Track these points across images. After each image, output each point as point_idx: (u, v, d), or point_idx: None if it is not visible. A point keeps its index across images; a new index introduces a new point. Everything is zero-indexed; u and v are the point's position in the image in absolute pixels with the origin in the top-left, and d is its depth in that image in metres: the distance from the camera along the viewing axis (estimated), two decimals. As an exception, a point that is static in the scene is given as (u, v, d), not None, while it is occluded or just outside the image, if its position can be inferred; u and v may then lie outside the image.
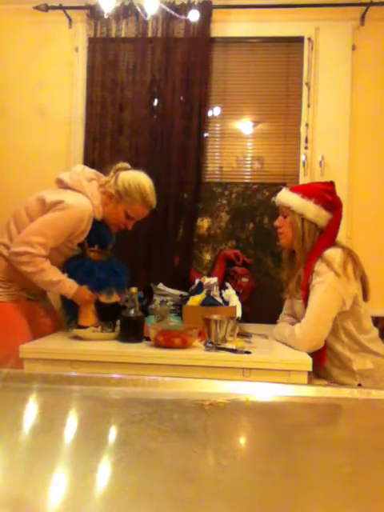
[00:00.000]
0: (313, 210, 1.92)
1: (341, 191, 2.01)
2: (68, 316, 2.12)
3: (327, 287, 1.83)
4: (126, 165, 2.15)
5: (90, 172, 2.14)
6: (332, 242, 1.94)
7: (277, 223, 2.04)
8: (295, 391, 1.07)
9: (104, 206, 2.07)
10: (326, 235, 1.94)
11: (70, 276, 2.04)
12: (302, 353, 1.80)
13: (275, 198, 2.07)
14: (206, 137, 2.82)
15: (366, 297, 1.94)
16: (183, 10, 2.69)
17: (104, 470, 0.69)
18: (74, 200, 1.98)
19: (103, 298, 2.05)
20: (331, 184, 1.99)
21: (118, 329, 1.96)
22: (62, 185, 2.07)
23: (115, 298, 2.07)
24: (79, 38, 2.84)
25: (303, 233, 1.94)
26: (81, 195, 2.01)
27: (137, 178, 2.08)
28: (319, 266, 1.86)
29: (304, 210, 1.92)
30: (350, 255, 1.89)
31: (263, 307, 2.59)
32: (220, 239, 2.92)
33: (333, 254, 1.87)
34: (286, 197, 1.99)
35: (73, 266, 2.07)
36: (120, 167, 2.13)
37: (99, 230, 2.09)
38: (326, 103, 2.74)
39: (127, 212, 2.08)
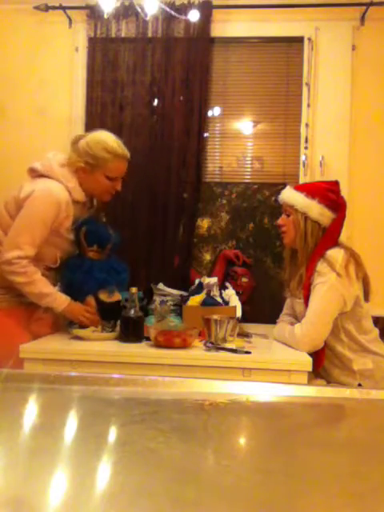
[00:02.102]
0: (316, 210, 1.91)
1: (341, 191, 2.00)
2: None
3: (329, 288, 1.83)
4: (78, 134, 2.07)
5: (62, 157, 2.06)
6: (334, 242, 1.93)
7: (280, 221, 2.03)
8: (295, 391, 1.07)
9: (83, 183, 2.00)
10: (329, 235, 1.93)
11: (70, 276, 2.04)
12: (302, 353, 1.80)
13: (279, 196, 2.06)
14: (206, 137, 2.82)
15: (367, 297, 1.94)
16: (183, 9, 2.68)
17: (104, 470, 0.69)
18: (44, 186, 1.93)
19: (104, 297, 2.05)
20: (336, 183, 1.98)
21: (118, 329, 1.96)
22: (35, 173, 2.00)
23: (116, 296, 2.07)
24: (79, 38, 2.83)
25: (306, 232, 1.93)
26: (51, 181, 1.95)
27: (95, 138, 2.01)
28: (321, 267, 1.86)
29: (307, 210, 1.92)
30: (353, 256, 1.89)
31: (263, 307, 2.59)
32: (220, 239, 2.92)
33: (335, 254, 1.87)
34: (289, 195, 1.98)
35: (72, 266, 2.07)
36: (75, 140, 2.05)
37: (97, 229, 2.09)
38: (325, 103, 2.73)
39: (107, 175, 2.00)
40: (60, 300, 1.96)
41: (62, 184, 1.95)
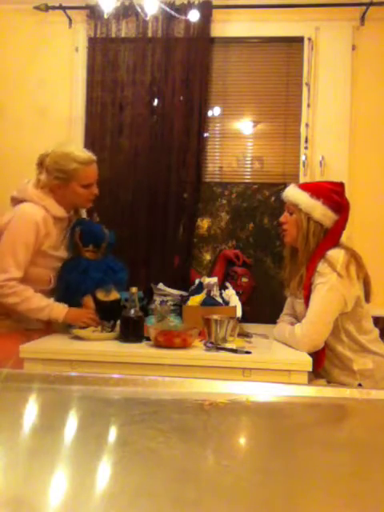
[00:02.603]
0: (320, 211, 1.90)
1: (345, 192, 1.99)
2: None
3: (329, 288, 1.83)
4: (41, 154, 2.06)
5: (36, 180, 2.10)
6: (335, 243, 1.92)
7: (282, 219, 2.02)
8: (295, 391, 1.07)
9: (61, 199, 2.03)
10: (331, 236, 1.92)
11: (67, 277, 2.04)
12: (302, 353, 1.80)
13: (282, 193, 2.04)
14: (206, 137, 2.82)
15: (367, 298, 1.93)
16: (183, 10, 2.68)
17: (104, 470, 0.69)
18: (20, 210, 1.98)
19: (101, 296, 2.05)
20: (341, 185, 1.97)
21: (117, 329, 1.96)
22: (15, 201, 2.05)
23: (114, 295, 2.07)
24: (79, 38, 2.83)
25: (308, 232, 1.92)
26: (27, 203, 1.99)
27: (60, 152, 2.02)
28: (322, 267, 1.86)
29: (311, 210, 1.91)
30: (354, 256, 1.88)
31: (263, 307, 2.59)
32: (220, 239, 2.92)
33: (336, 254, 1.87)
34: (294, 194, 1.97)
35: (69, 267, 2.07)
36: (39, 160, 2.06)
37: (92, 229, 2.10)
38: (326, 103, 2.73)
39: (81, 184, 2.02)
40: (58, 309, 1.97)
41: (37, 204, 1.99)
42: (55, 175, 2.01)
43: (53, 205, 2.01)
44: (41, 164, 2.05)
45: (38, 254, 1.99)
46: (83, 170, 2.01)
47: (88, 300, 2.05)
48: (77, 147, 2.04)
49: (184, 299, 2.21)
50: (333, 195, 1.92)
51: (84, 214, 2.23)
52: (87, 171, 2.03)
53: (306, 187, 1.98)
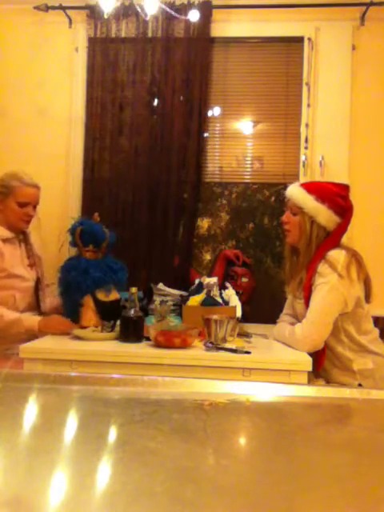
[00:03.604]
0: (324, 215, 1.88)
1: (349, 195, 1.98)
2: (69, 318, 2.12)
3: (330, 288, 1.82)
4: None
5: None
6: (336, 244, 1.91)
7: (284, 219, 1.99)
8: (295, 391, 1.07)
9: (3, 219, 2.18)
10: (332, 237, 1.91)
11: (66, 276, 2.07)
12: (301, 353, 1.79)
13: (285, 191, 2.01)
14: (206, 137, 2.82)
15: (368, 298, 1.93)
16: (183, 10, 2.68)
17: (104, 470, 0.69)
18: None
19: (102, 296, 2.05)
20: (346, 188, 1.94)
21: (117, 329, 1.96)
22: None
23: (114, 295, 2.07)
24: (79, 38, 2.83)
25: (311, 235, 1.91)
26: None
27: (8, 172, 2.21)
28: (322, 267, 1.85)
29: (315, 214, 1.88)
30: (354, 257, 1.87)
31: (263, 307, 2.59)
32: (220, 239, 2.92)
33: (336, 255, 1.86)
34: (298, 196, 1.93)
35: (69, 266, 2.08)
36: None
37: (92, 228, 2.11)
38: (326, 103, 2.73)
39: (18, 201, 2.17)
40: (30, 319, 2.05)
41: None
42: None
43: None
44: None
45: (3, 276, 2.10)
46: (22, 188, 2.18)
47: (88, 300, 2.05)
48: (23, 171, 2.22)
49: (184, 299, 2.21)
50: (338, 199, 1.89)
51: (30, 236, 2.34)
52: (25, 190, 2.19)
53: (310, 189, 1.93)
